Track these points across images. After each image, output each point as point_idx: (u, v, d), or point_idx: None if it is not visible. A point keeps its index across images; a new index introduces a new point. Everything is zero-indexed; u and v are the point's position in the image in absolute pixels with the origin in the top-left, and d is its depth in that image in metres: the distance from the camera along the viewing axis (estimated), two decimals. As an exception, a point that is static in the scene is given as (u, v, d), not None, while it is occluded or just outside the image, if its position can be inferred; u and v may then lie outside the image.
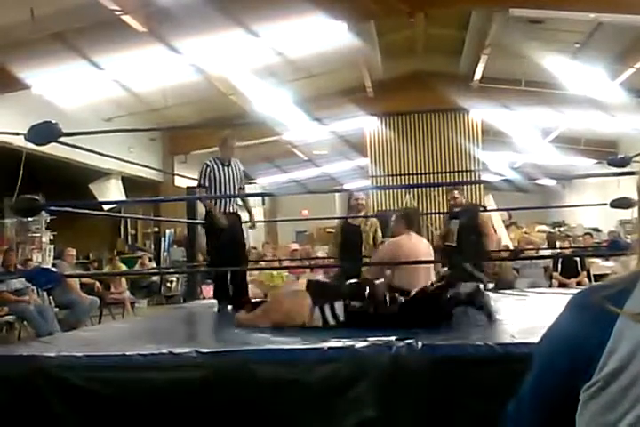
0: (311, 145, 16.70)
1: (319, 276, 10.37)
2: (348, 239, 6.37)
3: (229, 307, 5.04)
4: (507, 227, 14.98)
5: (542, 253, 9.28)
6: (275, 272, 9.49)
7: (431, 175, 12.89)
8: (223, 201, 5.33)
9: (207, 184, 5.32)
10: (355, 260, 6.25)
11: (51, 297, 8.72)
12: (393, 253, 4.66)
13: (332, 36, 9.47)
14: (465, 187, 13.04)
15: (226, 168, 5.39)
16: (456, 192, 6.87)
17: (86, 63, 8.80)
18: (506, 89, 12.75)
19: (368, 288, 3.62)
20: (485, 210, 8.05)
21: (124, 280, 10.77)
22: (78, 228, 12.26)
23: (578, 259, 9.43)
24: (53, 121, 3.31)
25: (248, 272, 6.59)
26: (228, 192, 5.36)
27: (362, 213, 6.61)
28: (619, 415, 0.78)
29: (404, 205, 13.70)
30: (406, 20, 9.81)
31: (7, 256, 8.51)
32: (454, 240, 6.49)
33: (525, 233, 14.03)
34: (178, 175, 12.63)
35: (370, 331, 2.73)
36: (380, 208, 13.93)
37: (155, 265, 13.40)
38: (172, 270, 13.32)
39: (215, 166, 5.36)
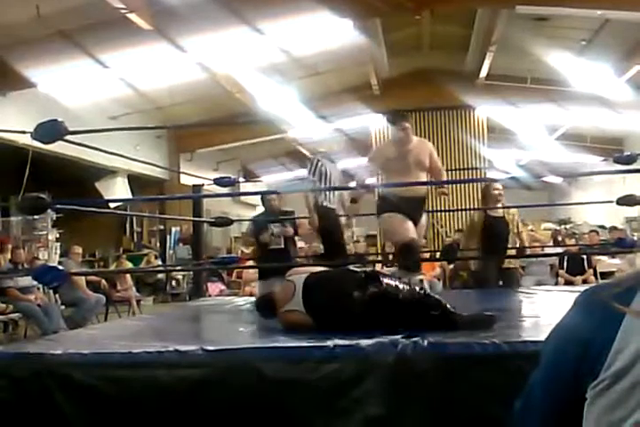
0: (317, 143, 16.68)
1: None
2: (495, 231, 6.25)
3: None
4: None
5: (548, 250, 9.25)
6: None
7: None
8: (325, 196, 5.69)
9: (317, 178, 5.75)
10: (502, 251, 6.24)
11: (57, 295, 8.76)
12: None
13: (337, 33, 9.47)
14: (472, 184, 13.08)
15: (333, 165, 5.95)
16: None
17: (92, 61, 8.83)
18: (511, 86, 12.72)
19: None
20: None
21: (129, 278, 10.78)
22: (84, 226, 12.28)
23: (584, 256, 9.41)
24: (59, 119, 3.31)
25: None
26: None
27: (500, 204, 6.49)
28: (625, 413, 0.78)
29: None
30: (412, 18, 9.80)
31: (15, 254, 8.60)
32: None
33: (531, 231, 13.98)
34: (184, 173, 12.64)
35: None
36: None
37: (160, 263, 13.42)
38: (177, 268, 13.33)
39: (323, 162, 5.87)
